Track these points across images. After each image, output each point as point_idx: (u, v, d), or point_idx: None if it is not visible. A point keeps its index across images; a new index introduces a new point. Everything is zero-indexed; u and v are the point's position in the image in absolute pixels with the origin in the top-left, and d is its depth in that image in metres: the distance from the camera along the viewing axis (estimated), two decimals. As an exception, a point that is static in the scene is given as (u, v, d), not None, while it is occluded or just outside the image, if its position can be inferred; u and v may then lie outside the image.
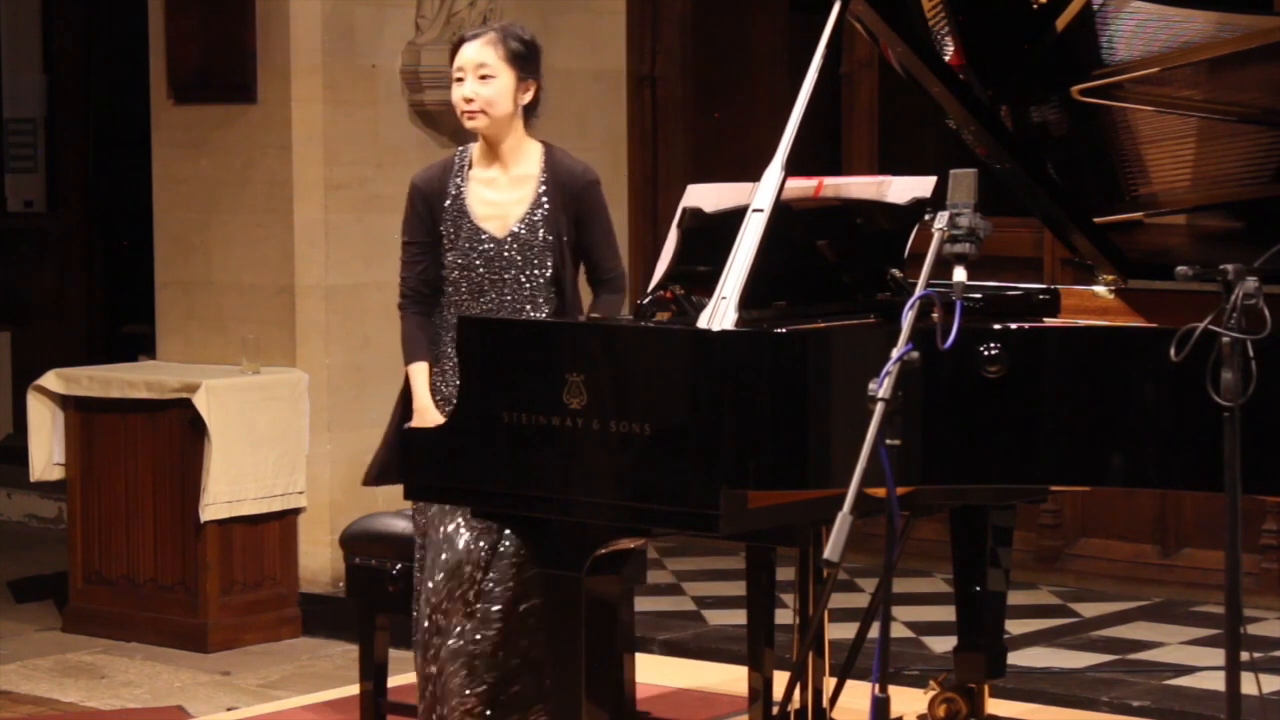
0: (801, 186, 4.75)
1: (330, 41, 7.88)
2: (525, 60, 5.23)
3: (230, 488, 7.49)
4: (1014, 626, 7.00)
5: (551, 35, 8.65)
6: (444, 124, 8.22)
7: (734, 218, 4.50)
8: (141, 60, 8.26)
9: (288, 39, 7.81)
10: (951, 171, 4.15)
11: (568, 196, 5.22)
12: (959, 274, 4.04)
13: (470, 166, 5.28)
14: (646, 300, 4.63)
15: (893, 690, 3.83)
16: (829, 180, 4.93)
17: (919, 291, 3.93)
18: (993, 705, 5.79)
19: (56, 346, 10.40)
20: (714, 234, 4.54)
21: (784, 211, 4.51)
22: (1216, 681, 4.95)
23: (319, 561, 7.84)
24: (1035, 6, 4.91)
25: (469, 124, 5.20)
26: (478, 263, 5.23)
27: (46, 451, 7.82)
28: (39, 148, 11.22)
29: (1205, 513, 7.67)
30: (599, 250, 5.29)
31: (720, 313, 4.38)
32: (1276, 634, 7.17)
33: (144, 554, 7.69)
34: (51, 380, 7.80)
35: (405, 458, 4.85)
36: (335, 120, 7.91)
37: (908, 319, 3.85)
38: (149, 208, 8.25)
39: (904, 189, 5.05)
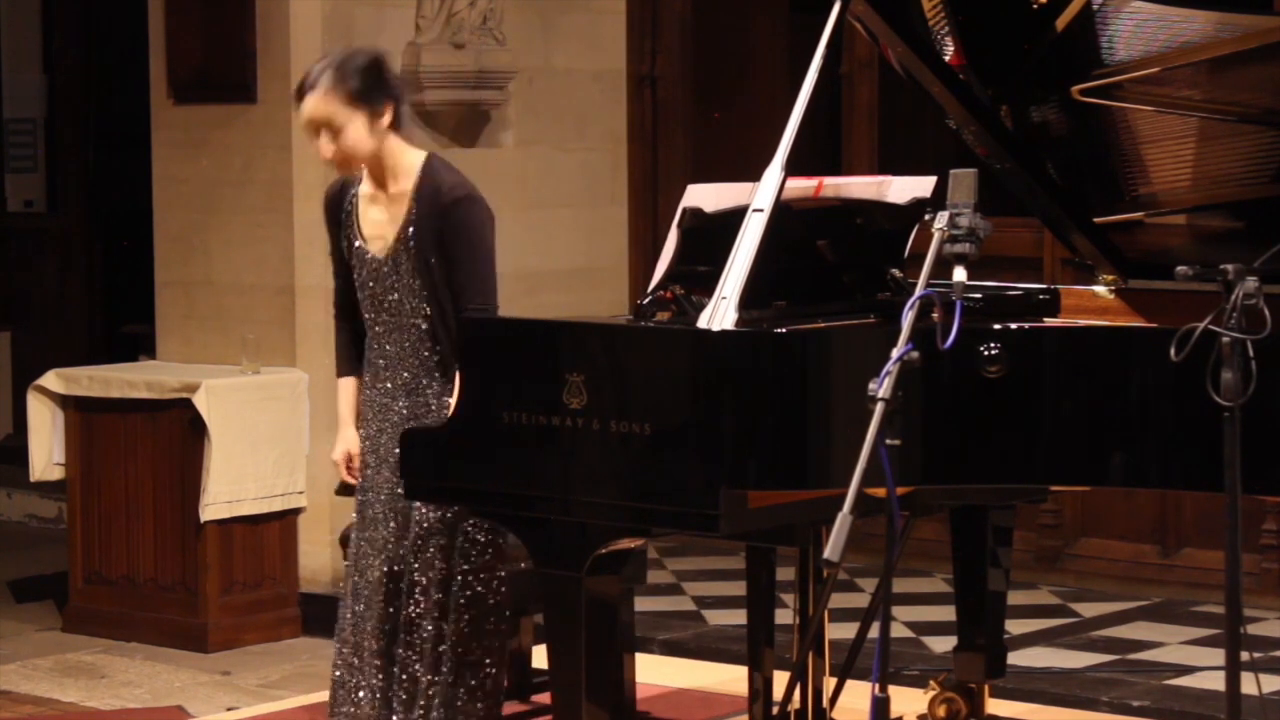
0: (801, 186, 4.75)
1: (330, 41, 7.87)
2: (370, 92, 4.89)
3: (230, 488, 7.49)
4: (1014, 626, 7.00)
5: (551, 35, 8.67)
6: (444, 124, 8.22)
7: (734, 218, 4.50)
8: (141, 60, 8.26)
9: (288, 39, 7.81)
10: (951, 171, 4.15)
11: (436, 215, 4.95)
12: (959, 274, 4.03)
13: (360, 182, 5.09)
14: (646, 300, 4.63)
15: (893, 690, 3.82)
16: (829, 180, 4.93)
17: (919, 291, 3.93)
18: (993, 705, 5.79)
19: (56, 346, 10.40)
20: (714, 234, 4.54)
21: (784, 211, 4.51)
22: (1216, 681, 4.95)
23: (319, 561, 7.84)
24: (1035, 6, 4.91)
25: (341, 173, 5.01)
26: (370, 282, 5.07)
27: (46, 451, 7.82)
28: (39, 148, 11.22)
29: (1205, 513, 7.67)
30: (459, 277, 4.94)
31: (720, 313, 4.38)
32: (1276, 634, 7.17)
33: (144, 554, 7.69)
34: (51, 380, 7.80)
35: (405, 458, 4.85)
36: (335, 120, 7.90)
37: (908, 319, 3.85)
38: (149, 208, 8.25)
39: (904, 189, 5.05)
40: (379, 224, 5.07)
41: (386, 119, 4.95)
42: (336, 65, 4.94)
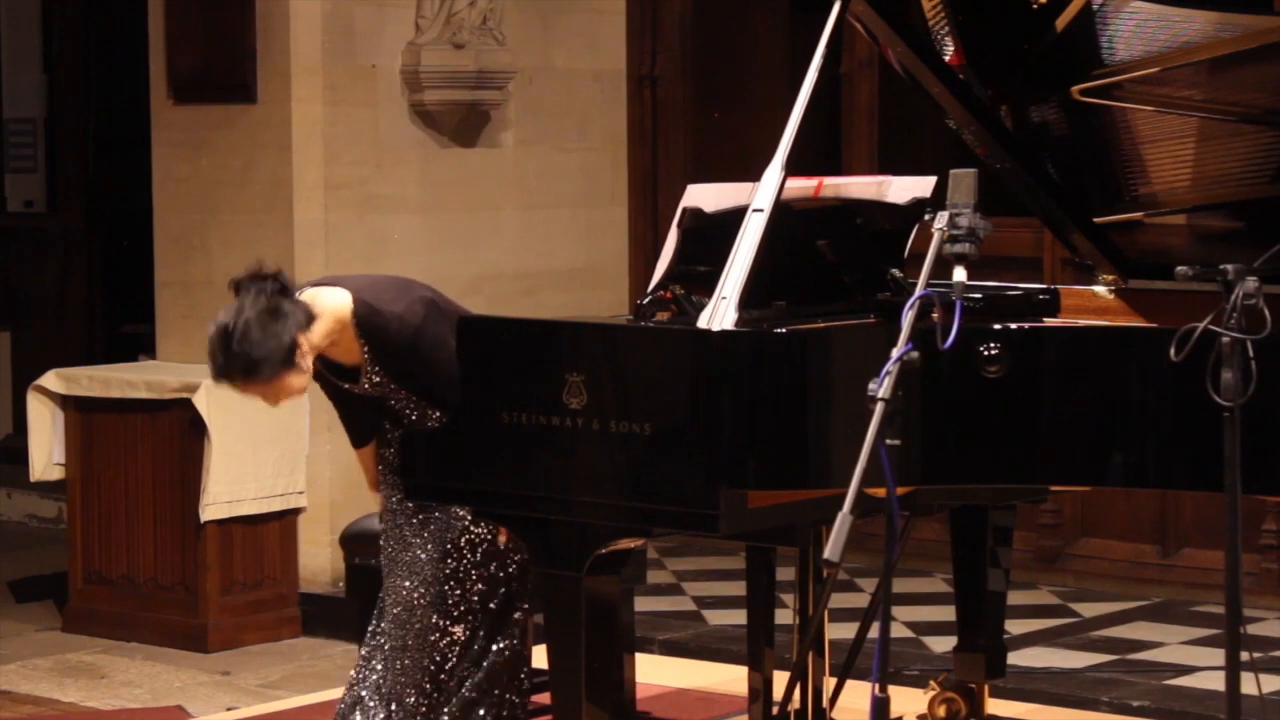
0: (801, 186, 4.75)
1: (330, 41, 7.88)
2: (272, 366, 4.80)
3: (230, 488, 7.49)
4: (1014, 626, 7.00)
5: (551, 35, 8.67)
6: (444, 124, 8.22)
7: (734, 218, 4.50)
8: (141, 60, 8.26)
9: (288, 39, 7.81)
10: (951, 171, 4.15)
11: (390, 351, 4.97)
12: (959, 274, 4.04)
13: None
14: (646, 300, 4.63)
15: (893, 690, 3.82)
16: (829, 180, 4.93)
17: (919, 291, 3.93)
18: (993, 705, 5.79)
19: (56, 346, 10.40)
20: (714, 234, 4.54)
21: (784, 211, 4.51)
22: (1216, 681, 4.95)
23: (319, 561, 7.84)
24: (1035, 6, 4.91)
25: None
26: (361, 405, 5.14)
27: (46, 451, 7.82)
28: (39, 148, 11.21)
29: (1205, 513, 7.67)
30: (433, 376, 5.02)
31: (720, 313, 4.38)
32: (1276, 634, 7.17)
33: (144, 554, 7.69)
34: (51, 380, 7.80)
35: (405, 458, 4.85)
36: (335, 120, 7.91)
37: (908, 319, 3.85)
38: (149, 208, 8.24)
39: (904, 189, 5.05)
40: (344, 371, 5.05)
41: (308, 358, 4.88)
42: (226, 358, 4.89)
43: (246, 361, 4.83)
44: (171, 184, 8.13)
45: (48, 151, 11.20)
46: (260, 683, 7.17)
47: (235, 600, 7.62)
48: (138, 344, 8.98)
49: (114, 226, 10.87)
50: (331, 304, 4.96)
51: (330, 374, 5.07)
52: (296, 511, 7.76)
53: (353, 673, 5.18)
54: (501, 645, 5.10)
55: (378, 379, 5.00)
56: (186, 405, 7.46)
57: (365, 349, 4.97)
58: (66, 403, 7.79)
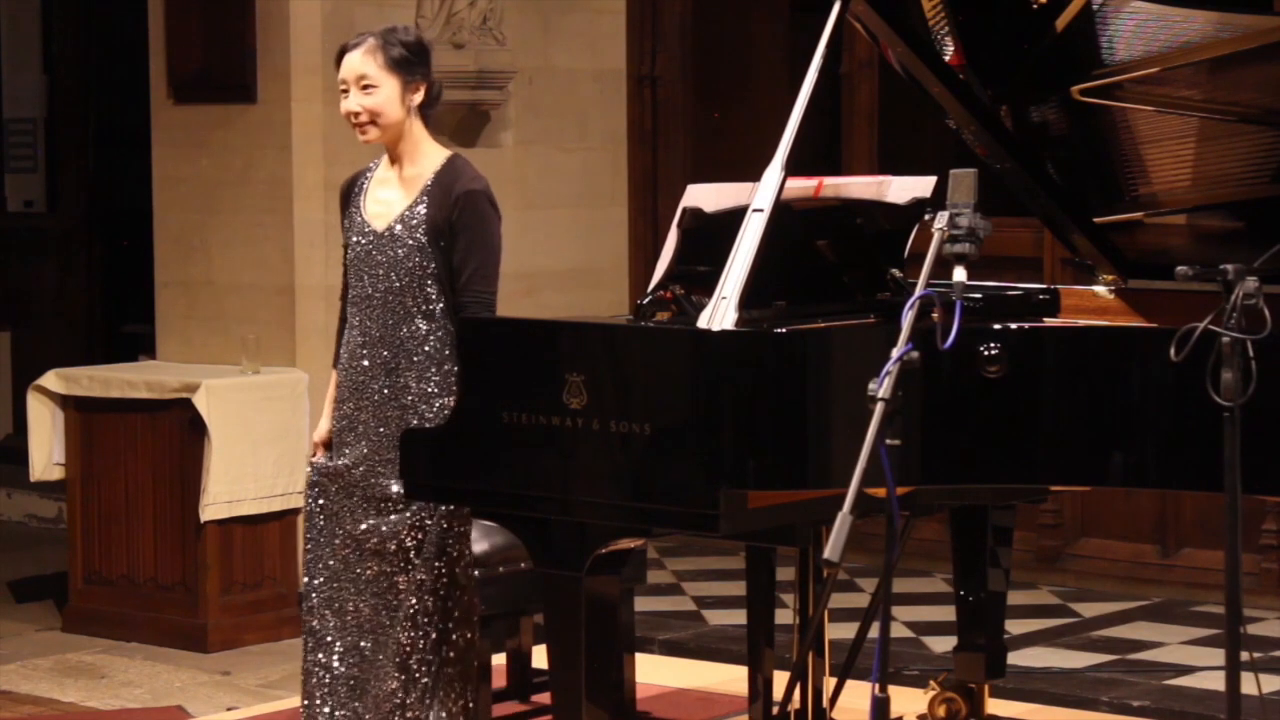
0: (801, 186, 4.75)
1: (330, 41, 7.87)
2: (410, 64, 5.03)
3: (230, 488, 7.49)
4: (1014, 626, 7.00)
5: (551, 35, 8.67)
6: (444, 124, 8.22)
7: (734, 218, 4.50)
8: (141, 60, 8.26)
9: (288, 39, 7.81)
10: (951, 171, 4.15)
11: (448, 201, 5.01)
12: (959, 274, 4.04)
13: (378, 168, 5.21)
14: (646, 300, 4.63)
15: (893, 690, 3.83)
16: (829, 180, 4.93)
17: (919, 291, 3.93)
18: (993, 705, 5.79)
19: (56, 346, 10.40)
20: (714, 234, 4.54)
21: (784, 211, 4.51)
22: (1216, 681, 4.96)
23: (319, 561, 7.84)
24: (1035, 6, 4.91)
25: (361, 137, 5.09)
26: (361, 252, 5.10)
27: (46, 451, 7.82)
28: (39, 148, 11.21)
29: (1205, 513, 7.67)
30: (461, 265, 4.99)
31: (720, 313, 4.38)
32: (1276, 634, 7.18)
33: (144, 554, 7.70)
34: (51, 380, 7.80)
35: (405, 458, 4.85)
36: (335, 120, 7.87)
37: (908, 319, 3.85)
38: (149, 208, 8.25)
39: (904, 189, 5.05)
40: (386, 202, 5.11)
41: (419, 97, 5.06)
42: (383, 31, 5.11)
43: (390, 38, 5.07)
44: (171, 184, 8.13)
45: (48, 151, 11.20)
46: (260, 683, 7.17)
47: (235, 600, 7.62)
48: (138, 344, 8.99)
49: (114, 226, 10.87)
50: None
51: (362, 211, 5.12)
52: (296, 511, 7.75)
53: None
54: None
55: (413, 221, 5.02)
56: (186, 405, 7.46)
57: (427, 187, 5.04)
58: (66, 403, 7.79)
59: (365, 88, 5.02)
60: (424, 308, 5.02)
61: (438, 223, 5.01)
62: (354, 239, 5.13)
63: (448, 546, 5.02)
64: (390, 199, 5.11)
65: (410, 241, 5.02)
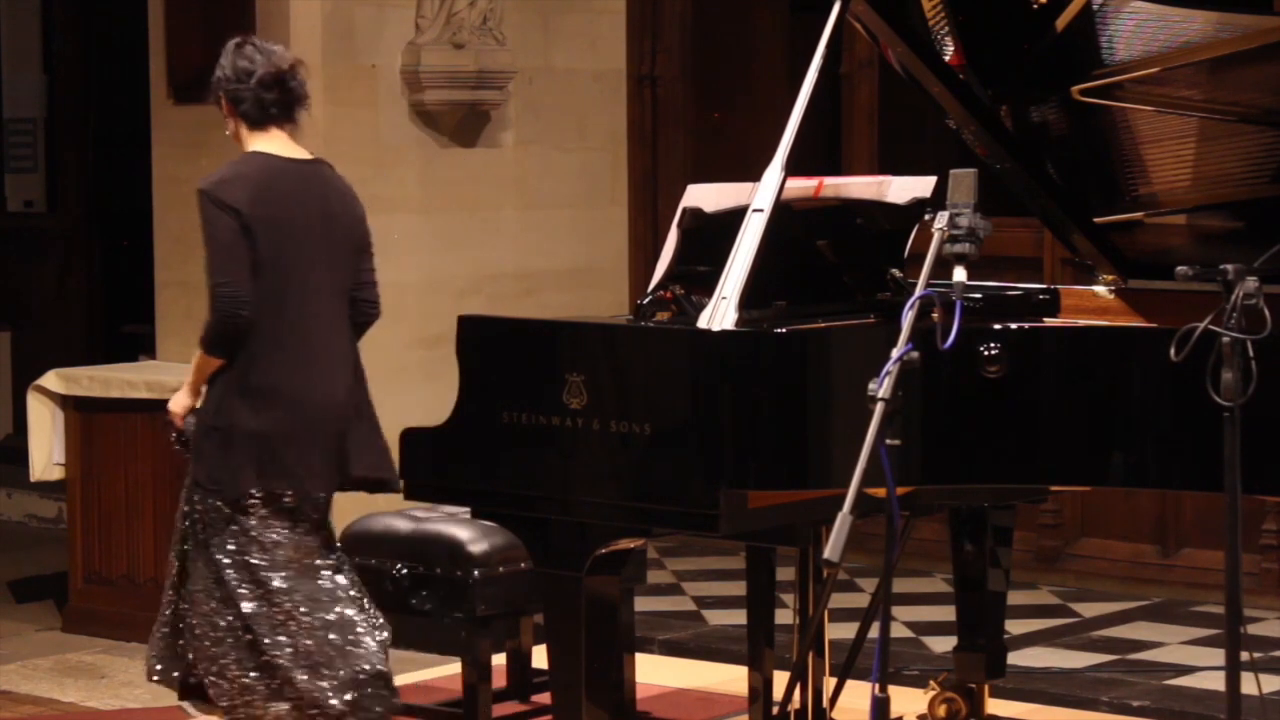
0: (801, 186, 4.75)
1: (330, 41, 7.87)
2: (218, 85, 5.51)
3: (230, 488, 7.48)
4: (1014, 626, 7.00)
5: (551, 35, 8.67)
6: (444, 124, 8.22)
7: (734, 218, 4.51)
8: (141, 60, 8.26)
9: (288, 39, 7.80)
10: (951, 171, 4.15)
11: None
12: (959, 274, 4.04)
13: None
14: (646, 300, 4.63)
15: (893, 690, 3.83)
16: (829, 180, 4.93)
17: (919, 291, 3.93)
18: (993, 705, 5.79)
19: (56, 346, 10.39)
20: (714, 234, 4.54)
21: (784, 211, 4.52)
22: (1216, 681, 4.95)
23: (319, 561, 7.83)
24: (1035, 6, 4.91)
25: None
26: None
27: (46, 451, 7.81)
28: (39, 148, 11.21)
29: (1205, 513, 7.67)
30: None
31: (720, 313, 4.38)
32: (1276, 634, 7.17)
33: (144, 554, 7.69)
34: (51, 380, 7.79)
35: (405, 458, 4.85)
36: (335, 120, 7.90)
37: (908, 319, 3.85)
38: (149, 208, 8.24)
39: (904, 189, 5.05)
40: None
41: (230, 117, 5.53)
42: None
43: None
44: (171, 184, 8.11)
45: (48, 151, 11.20)
46: (260, 683, 7.16)
47: (235, 600, 7.60)
48: (138, 344, 8.98)
49: (114, 226, 10.87)
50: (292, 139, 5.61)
51: None
52: (296, 511, 7.75)
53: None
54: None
55: None
56: (186, 405, 7.45)
57: None
58: (66, 403, 7.79)
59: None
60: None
61: None
62: None
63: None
64: None
65: None
